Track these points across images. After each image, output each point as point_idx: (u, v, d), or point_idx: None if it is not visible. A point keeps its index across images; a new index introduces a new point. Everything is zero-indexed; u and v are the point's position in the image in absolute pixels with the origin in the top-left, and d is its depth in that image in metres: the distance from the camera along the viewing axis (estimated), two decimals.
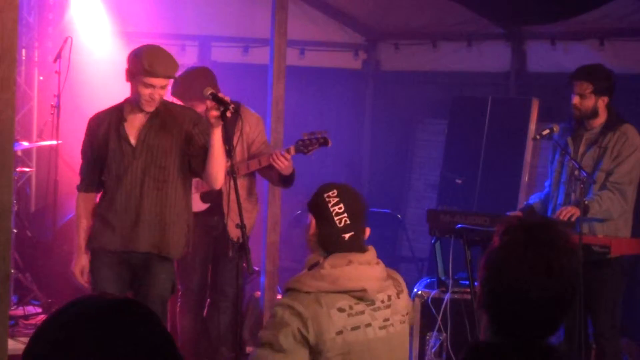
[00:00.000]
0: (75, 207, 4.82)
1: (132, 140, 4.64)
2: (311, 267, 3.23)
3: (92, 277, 4.70)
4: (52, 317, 1.54)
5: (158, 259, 4.70)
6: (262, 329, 3.17)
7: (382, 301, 3.24)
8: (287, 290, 3.18)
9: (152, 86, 4.54)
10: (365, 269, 3.22)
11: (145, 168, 4.62)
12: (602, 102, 5.46)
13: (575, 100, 5.45)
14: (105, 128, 4.69)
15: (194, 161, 4.68)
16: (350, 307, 3.13)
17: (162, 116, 4.67)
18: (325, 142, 5.26)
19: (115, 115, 4.70)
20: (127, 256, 4.67)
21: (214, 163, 4.69)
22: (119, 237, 4.65)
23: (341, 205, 3.29)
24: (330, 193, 3.31)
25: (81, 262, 4.72)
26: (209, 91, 4.55)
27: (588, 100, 5.43)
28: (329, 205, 3.29)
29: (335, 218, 3.27)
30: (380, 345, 3.19)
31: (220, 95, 4.62)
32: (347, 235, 3.26)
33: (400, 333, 3.29)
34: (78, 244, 4.75)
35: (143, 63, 4.48)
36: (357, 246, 3.26)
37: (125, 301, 1.55)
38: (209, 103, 4.53)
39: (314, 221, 3.31)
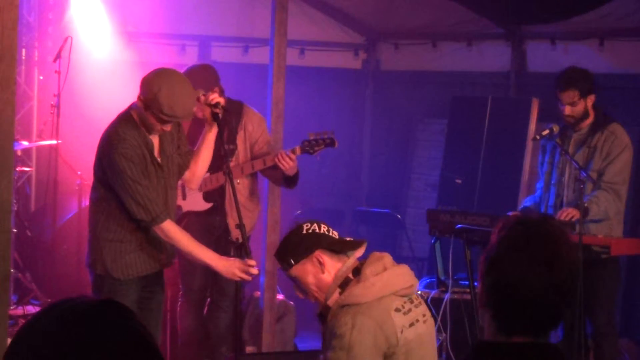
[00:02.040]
0: (174, 238, 4.36)
1: (159, 160, 4.43)
2: (344, 283, 3.29)
3: None
4: (32, 321, 1.54)
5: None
6: (329, 349, 3.17)
7: (416, 298, 3.37)
8: (343, 307, 3.21)
9: (169, 124, 4.32)
10: (400, 269, 3.34)
11: (169, 181, 4.51)
12: (590, 102, 5.53)
13: (567, 110, 5.50)
14: (142, 155, 4.32)
15: (185, 160, 4.65)
16: (403, 306, 3.25)
17: None
18: (332, 143, 5.25)
19: (143, 140, 4.33)
20: (154, 273, 4.56)
21: (203, 163, 4.70)
22: (158, 257, 4.50)
23: (322, 225, 3.39)
24: (305, 227, 3.37)
25: (230, 261, 4.39)
26: (199, 93, 4.57)
27: (579, 106, 5.50)
28: (318, 231, 3.36)
29: (331, 234, 3.38)
30: (427, 338, 3.34)
31: (210, 97, 4.61)
32: (347, 238, 3.41)
33: (432, 326, 3.43)
34: (208, 257, 4.41)
35: (163, 108, 4.15)
36: (359, 241, 3.41)
37: (107, 302, 1.55)
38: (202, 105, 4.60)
39: (322, 255, 3.32)
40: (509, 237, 2.07)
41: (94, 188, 4.47)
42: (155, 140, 4.41)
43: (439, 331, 5.75)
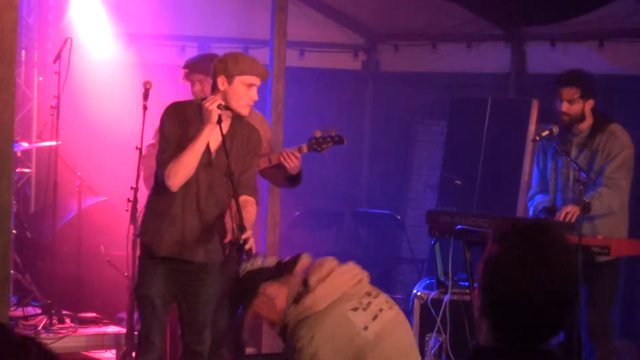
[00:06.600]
0: (177, 168, 4.43)
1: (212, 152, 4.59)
2: (298, 298, 3.37)
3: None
4: None
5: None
6: None
7: (373, 289, 3.45)
8: (299, 322, 3.30)
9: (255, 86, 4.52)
10: (344, 267, 3.43)
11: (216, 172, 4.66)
12: (588, 106, 5.49)
13: (564, 106, 5.47)
14: (183, 118, 4.58)
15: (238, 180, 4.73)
16: (360, 303, 3.33)
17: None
18: (340, 140, 5.15)
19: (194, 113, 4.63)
20: (187, 267, 4.68)
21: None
22: (180, 242, 4.60)
23: (255, 260, 3.54)
24: (241, 272, 3.51)
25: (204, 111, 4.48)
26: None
27: (576, 105, 5.46)
28: (252, 268, 3.50)
29: (268, 264, 3.52)
30: (399, 322, 3.42)
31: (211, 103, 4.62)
32: (286, 259, 3.54)
33: (399, 310, 3.49)
34: (202, 136, 4.43)
35: (252, 66, 4.47)
36: (298, 256, 3.51)
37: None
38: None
39: (266, 288, 3.42)
40: (509, 250, 2.05)
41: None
42: (216, 133, 4.46)
43: (438, 332, 5.75)
